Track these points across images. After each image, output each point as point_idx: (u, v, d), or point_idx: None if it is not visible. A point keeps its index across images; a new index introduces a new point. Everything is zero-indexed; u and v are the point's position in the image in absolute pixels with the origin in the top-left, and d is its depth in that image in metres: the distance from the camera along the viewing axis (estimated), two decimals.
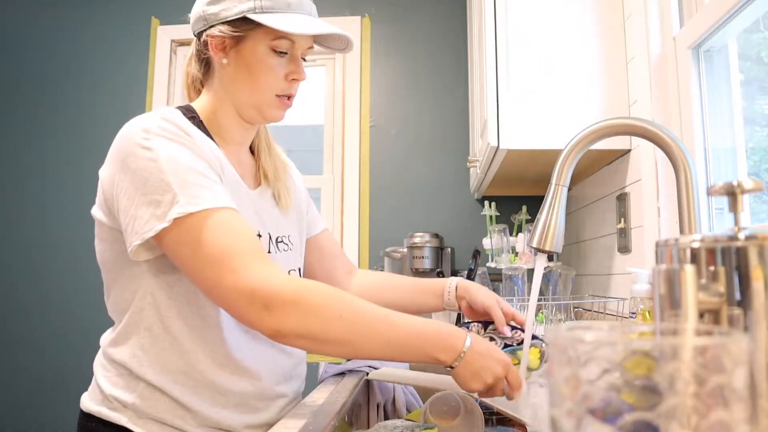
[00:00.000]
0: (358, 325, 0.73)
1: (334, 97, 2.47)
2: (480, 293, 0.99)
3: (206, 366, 0.81)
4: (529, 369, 0.85)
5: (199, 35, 0.90)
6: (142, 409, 0.80)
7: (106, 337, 0.87)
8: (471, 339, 0.75)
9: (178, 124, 0.80)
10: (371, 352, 0.75)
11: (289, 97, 0.91)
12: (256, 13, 0.84)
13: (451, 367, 0.75)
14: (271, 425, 0.78)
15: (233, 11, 0.84)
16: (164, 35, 2.52)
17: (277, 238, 0.95)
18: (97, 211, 0.84)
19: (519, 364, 0.84)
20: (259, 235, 0.90)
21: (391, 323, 0.75)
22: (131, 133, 0.79)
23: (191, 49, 0.94)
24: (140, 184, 0.75)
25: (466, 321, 1.00)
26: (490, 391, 0.76)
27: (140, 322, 0.82)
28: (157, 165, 0.75)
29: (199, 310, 0.82)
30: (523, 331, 0.92)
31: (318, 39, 0.93)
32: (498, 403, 0.87)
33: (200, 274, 0.74)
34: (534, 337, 0.87)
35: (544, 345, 0.87)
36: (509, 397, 0.77)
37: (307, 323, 0.71)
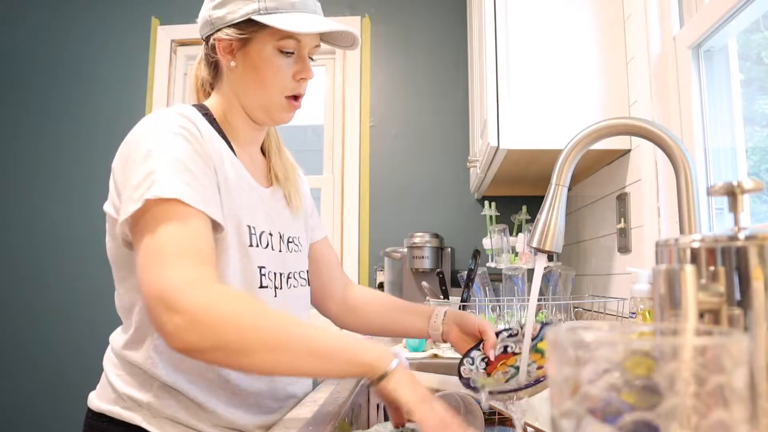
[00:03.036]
0: (273, 333, 0.67)
1: (334, 97, 2.47)
2: (474, 318, 0.98)
3: (218, 366, 0.80)
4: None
5: (207, 39, 0.90)
6: (157, 408, 0.79)
7: (117, 338, 0.86)
8: (396, 364, 0.69)
9: (193, 121, 0.80)
10: (293, 362, 0.68)
11: (297, 98, 0.91)
12: (260, 14, 0.84)
13: (383, 376, 0.68)
14: None
15: (238, 14, 0.85)
16: (164, 35, 2.52)
17: (288, 239, 0.95)
18: (108, 206, 0.83)
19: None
20: (271, 234, 0.90)
21: (311, 331, 0.69)
22: (143, 125, 0.79)
23: (200, 53, 0.95)
24: (132, 170, 0.74)
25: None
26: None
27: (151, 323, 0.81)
28: (150, 153, 0.74)
29: None
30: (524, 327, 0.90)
31: (324, 37, 0.94)
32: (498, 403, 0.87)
33: (137, 264, 0.69)
34: (546, 323, 0.87)
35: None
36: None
37: (219, 333, 0.64)
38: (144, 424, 0.79)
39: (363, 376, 0.69)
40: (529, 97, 1.37)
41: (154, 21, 2.54)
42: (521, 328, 0.90)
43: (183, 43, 2.53)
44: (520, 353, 0.86)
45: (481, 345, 0.93)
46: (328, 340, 0.68)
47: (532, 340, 0.85)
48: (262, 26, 0.85)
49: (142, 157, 0.74)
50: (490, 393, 0.79)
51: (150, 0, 2.56)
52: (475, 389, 0.79)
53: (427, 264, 2.00)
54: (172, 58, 2.53)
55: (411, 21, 2.45)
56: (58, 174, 2.50)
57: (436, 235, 2.03)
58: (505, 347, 0.91)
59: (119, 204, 0.79)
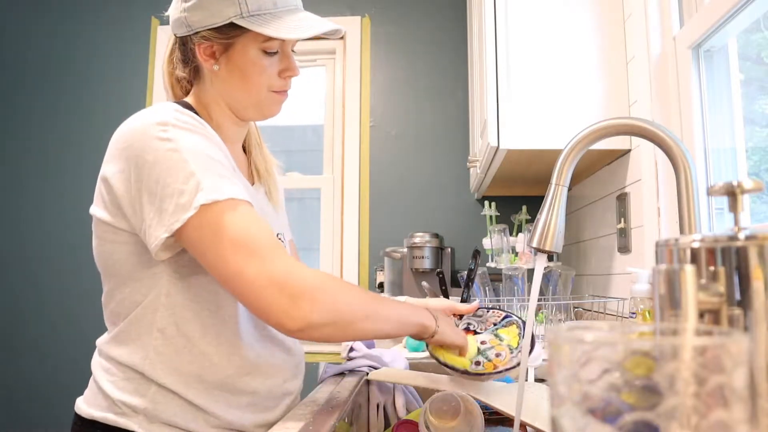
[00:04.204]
0: (367, 305, 0.78)
1: (334, 97, 2.47)
2: (435, 301, 1.01)
3: (220, 367, 0.80)
4: (510, 348, 0.91)
5: (182, 39, 0.88)
6: (153, 414, 0.78)
7: (110, 342, 0.83)
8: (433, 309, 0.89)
9: (191, 115, 0.79)
10: (380, 329, 0.80)
11: (284, 91, 0.91)
12: (243, 18, 0.82)
13: (435, 332, 0.85)
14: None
15: (218, 18, 0.82)
16: (164, 35, 2.52)
17: (277, 235, 0.95)
18: (100, 211, 0.80)
19: (501, 343, 0.93)
20: None
21: (388, 301, 0.85)
22: (145, 126, 0.76)
23: (169, 47, 0.91)
24: (163, 176, 0.73)
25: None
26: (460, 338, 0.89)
27: (153, 323, 0.79)
28: (180, 155, 0.73)
29: (218, 311, 0.81)
30: (491, 309, 1.01)
31: None
32: (498, 403, 0.87)
33: (223, 262, 0.71)
34: (510, 314, 0.97)
35: (520, 321, 0.95)
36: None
37: (334, 309, 0.73)
38: (140, 431, 0.77)
39: (419, 334, 0.86)
40: (529, 97, 1.37)
41: (154, 21, 2.54)
42: (487, 311, 1.00)
43: None
44: (480, 333, 0.97)
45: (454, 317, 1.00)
46: (397, 309, 0.84)
47: (494, 325, 0.96)
48: (244, 29, 0.83)
49: (167, 159, 0.73)
50: (448, 368, 0.89)
51: (150, 0, 2.55)
52: (439, 361, 0.90)
53: (427, 264, 2.00)
54: None
55: (411, 21, 2.45)
56: (56, 175, 2.50)
57: (436, 235, 2.03)
58: (468, 324, 0.98)
59: (117, 210, 0.78)
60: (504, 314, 0.98)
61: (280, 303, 0.70)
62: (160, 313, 0.79)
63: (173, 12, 0.87)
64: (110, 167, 0.79)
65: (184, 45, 0.88)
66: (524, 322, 0.93)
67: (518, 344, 0.91)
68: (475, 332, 0.96)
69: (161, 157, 0.73)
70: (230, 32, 0.83)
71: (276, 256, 0.72)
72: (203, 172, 0.73)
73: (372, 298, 0.81)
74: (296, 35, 0.83)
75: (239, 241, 0.71)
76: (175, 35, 0.89)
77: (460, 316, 1.00)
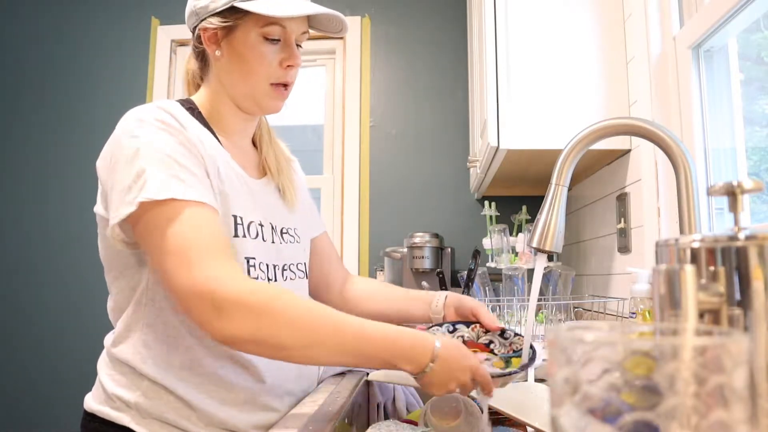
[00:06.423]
0: (310, 332, 0.70)
1: (334, 97, 2.47)
2: (469, 299, 1.00)
3: (210, 361, 0.80)
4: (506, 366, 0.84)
5: (194, 31, 0.90)
6: (145, 409, 0.79)
7: (109, 338, 0.86)
8: (440, 346, 0.73)
9: (172, 114, 0.80)
10: (328, 359, 0.74)
11: (286, 86, 0.90)
12: (243, 0, 0.84)
13: (416, 375, 0.74)
14: None
15: (221, 2, 0.84)
16: (164, 35, 2.52)
17: (281, 229, 0.94)
18: (99, 207, 0.83)
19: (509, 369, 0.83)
20: (261, 225, 0.88)
21: (349, 331, 0.71)
22: (125, 123, 0.79)
23: (191, 46, 0.95)
24: (119, 170, 0.75)
25: (432, 325, 0.96)
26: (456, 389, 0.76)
27: (141, 318, 0.81)
28: (137, 152, 0.74)
29: None
30: (518, 336, 0.92)
31: (312, 23, 0.92)
32: (499, 403, 0.87)
33: (159, 266, 0.72)
34: (533, 348, 0.85)
35: (533, 354, 0.84)
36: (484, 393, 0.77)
37: (258, 327, 0.67)
38: (132, 425, 0.78)
39: (405, 370, 0.73)
40: (529, 97, 1.37)
41: (154, 21, 2.54)
42: (514, 335, 0.91)
43: (183, 43, 2.53)
44: (497, 355, 0.88)
45: (473, 326, 0.94)
46: (361, 341, 0.71)
47: (514, 352, 0.87)
48: (245, 13, 0.84)
49: (128, 157, 0.75)
50: None
51: (150, 0, 2.55)
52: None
53: (427, 264, 2.00)
54: (172, 58, 2.53)
55: (411, 21, 2.45)
56: (57, 174, 2.50)
57: (436, 235, 2.03)
58: (490, 342, 0.92)
59: (108, 205, 0.80)
60: (533, 352, 0.84)
61: (203, 312, 0.68)
62: (147, 307, 0.81)
63: (187, 6, 0.90)
64: (99, 161, 0.82)
65: (194, 35, 0.91)
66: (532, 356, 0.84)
67: (516, 366, 0.83)
68: (492, 351, 0.90)
69: (124, 154, 0.75)
70: (232, 15, 0.85)
71: (206, 261, 0.69)
72: (154, 170, 0.73)
73: (323, 325, 0.70)
74: (288, 13, 0.83)
75: (170, 245, 0.70)
76: (190, 29, 0.92)
77: (486, 330, 0.94)
